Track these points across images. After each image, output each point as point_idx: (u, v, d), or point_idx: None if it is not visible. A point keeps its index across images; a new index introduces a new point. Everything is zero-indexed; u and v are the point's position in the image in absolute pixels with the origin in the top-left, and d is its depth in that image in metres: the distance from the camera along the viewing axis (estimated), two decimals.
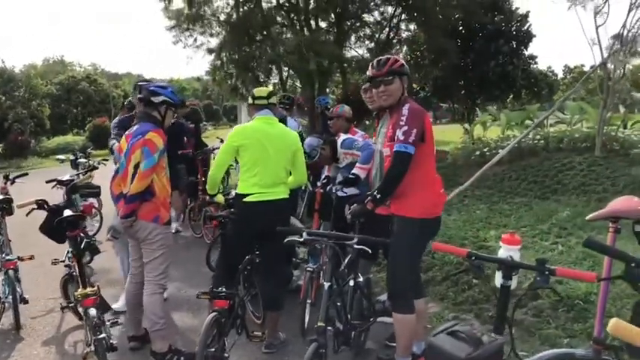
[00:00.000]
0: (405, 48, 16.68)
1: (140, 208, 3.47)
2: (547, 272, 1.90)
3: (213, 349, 3.15)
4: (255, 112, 3.78)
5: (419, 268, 3.55)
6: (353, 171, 4.14)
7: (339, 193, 4.18)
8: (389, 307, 3.27)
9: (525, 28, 18.44)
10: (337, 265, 3.14)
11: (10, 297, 4.26)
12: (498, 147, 9.55)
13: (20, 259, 4.57)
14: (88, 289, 3.23)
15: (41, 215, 4.11)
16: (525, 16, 18.51)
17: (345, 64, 14.65)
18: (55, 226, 3.46)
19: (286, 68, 14.64)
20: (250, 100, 3.85)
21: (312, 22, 13.82)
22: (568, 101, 11.83)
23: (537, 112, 12.67)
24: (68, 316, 4.54)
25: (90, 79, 42.00)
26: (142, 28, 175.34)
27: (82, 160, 9.47)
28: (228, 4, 14.09)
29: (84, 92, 39.90)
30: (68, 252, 4.41)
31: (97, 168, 7.38)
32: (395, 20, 14.66)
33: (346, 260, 3.42)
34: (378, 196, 2.98)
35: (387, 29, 14.75)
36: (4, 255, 4.58)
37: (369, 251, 2.86)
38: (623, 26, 7.94)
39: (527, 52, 19.37)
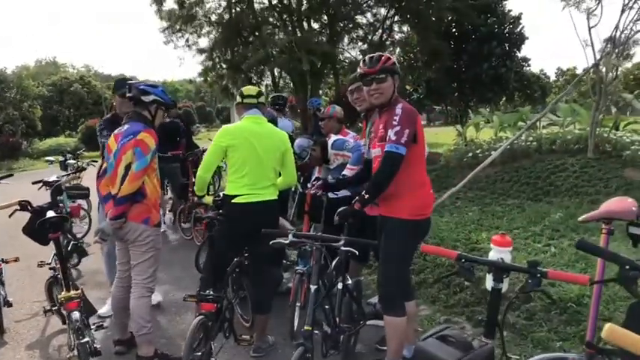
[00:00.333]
0: (398, 50, 16.71)
1: (130, 209, 3.40)
2: (539, 275, 1.85)
3: (199, 353, 3.08)
4: (244, 111, 3.71)
5: (409, 270, 3.50)
6: (343, 172, 4.11)
7: (330, 195, 4.12)
8: (380, 309, 3.21)
9: (518, 30, 18.57)
10: (324, 268, 3.08)
11: None
12: (491, 149, 9.54)
13: (5, 261, 4.48)
14: (72, 292, 3.16)
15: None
16: (518, 18, 18.65)
17: (338, 66, 14.63)
18: (38, 228, 3.36)
19: (278, 70, 14.57)
20: (239, 99, 3.78)
21: (305, 24, 13.79)
22: (560, 103, 11.88)
23: (530, 114, 12.71)
24: (53, 319, 4.44)
25: (84, 80, 41.72)
26: (135, 30, 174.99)
27: (71, 161, 9.37)
28: (220, 5, 14.08)
29: (76, 94, 39.59)
30: (54, 254, 4.33)
31: (85, 169, 7.30)
32: (388, 22, 14.70)
33: (334, 262, 3.36)
34: (367, 196, 2.91)
35: (380, 31, 14.77)
36: None
37: (357, 253, 2.79)
38: (616, 28, 7.94)
39: (520, 55, 19.52)
